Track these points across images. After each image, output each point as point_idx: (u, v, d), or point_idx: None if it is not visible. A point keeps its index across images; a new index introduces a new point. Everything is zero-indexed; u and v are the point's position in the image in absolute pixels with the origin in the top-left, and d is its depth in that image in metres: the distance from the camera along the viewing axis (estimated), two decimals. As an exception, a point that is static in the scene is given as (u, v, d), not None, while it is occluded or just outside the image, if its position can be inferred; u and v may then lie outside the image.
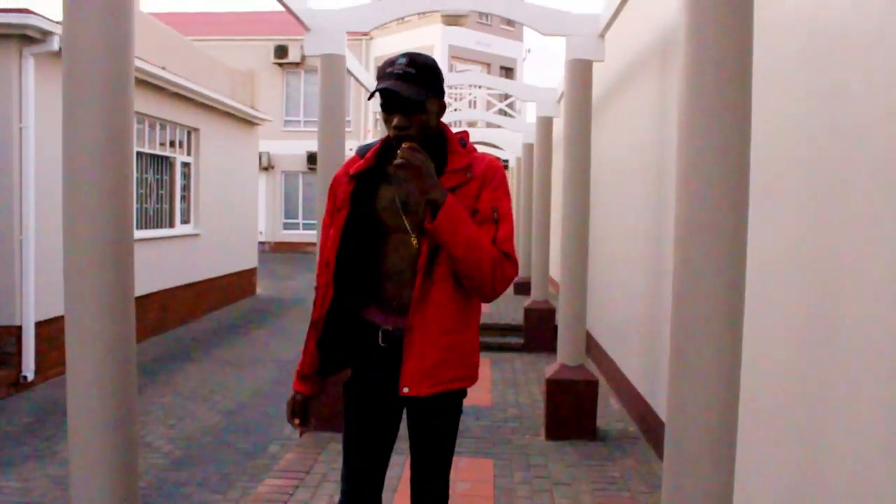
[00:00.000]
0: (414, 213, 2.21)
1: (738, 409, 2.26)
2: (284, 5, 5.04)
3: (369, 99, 2.31)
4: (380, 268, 2.26)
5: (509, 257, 2.19)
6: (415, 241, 2.20)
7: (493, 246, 2.17)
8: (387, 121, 2.19)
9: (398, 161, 2.05)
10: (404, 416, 2.38)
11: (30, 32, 6.97)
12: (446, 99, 2.38)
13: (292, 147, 25.65)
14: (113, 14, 2.25)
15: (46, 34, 7.09)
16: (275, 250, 25.77)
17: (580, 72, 5.36)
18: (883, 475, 2.14)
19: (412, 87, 2.12)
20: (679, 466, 2.25)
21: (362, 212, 2.25)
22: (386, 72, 2.15)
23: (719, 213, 2.16)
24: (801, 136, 2.81)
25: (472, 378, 2.33)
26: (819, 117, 2.66)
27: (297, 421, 2.38)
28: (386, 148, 2.30)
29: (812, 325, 2.66)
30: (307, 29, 5.39)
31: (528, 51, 26.55)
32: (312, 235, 22.61)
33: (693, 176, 2.20)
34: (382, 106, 2.18)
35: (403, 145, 2.08)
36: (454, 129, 2.35)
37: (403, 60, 2.15)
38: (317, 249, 2.59)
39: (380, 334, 2.26)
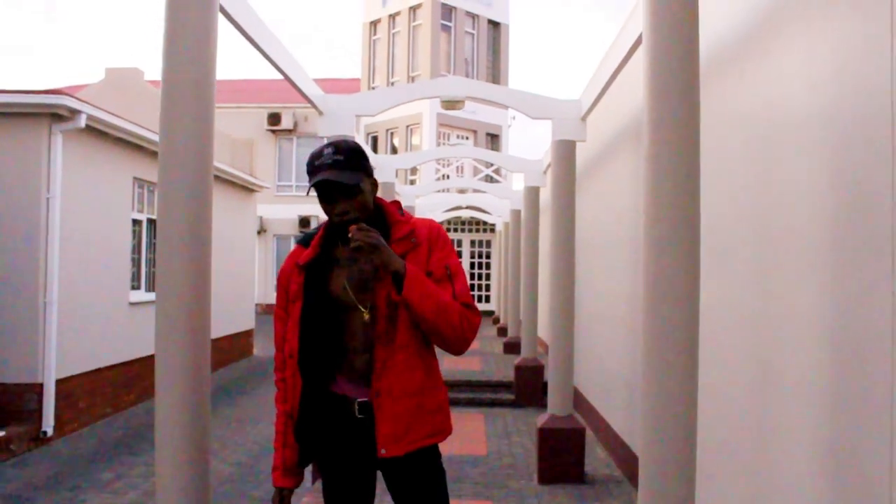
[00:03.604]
0: (370, 291, 2.30)
1: (697, 447, 2.78)
2: (302, 93, 5.68)
3: (307, 194, 2.35)
4: (345, 344, 2.33)
5: (471, 307, 2.30)
6: (366, 315, 2.28)
7: (455, 301, 2.27)
8: (328, 210, 2.26)
9: (355, 244, 2.13)
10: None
11: (60, 111, 7.60)
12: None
13: (284, 211, 26.24)
14: (198, 120, 2.91)
15: (74, 112, 7.72)
16: (266, 312, 26.13)
17: (565, 151, 6.03)
18: (816, 494, 2.68)
19: (345, 172, 2.19)
20: (652, 492, 2.76)
21: (317, 297, 2.31)
22: (315, 164, 2.21)
23: (677, 280, 2.73)
24: (742, 215, 3.42)
25: (445, 432, 2.42)
26: (757, 199, 3.28)
27: None
28: (329, 234, 2.37)
29: (754, 371, 3.22)
30: (321, 113, 6.04)
31: (513, 118, 27.51)
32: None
33: (656, 248, 2.79)
34: (321, 197, 2.24)
35: (352, 227, 2.15)
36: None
37: (330, 150, 2.21)
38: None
39: (356, 406, 2.32)
